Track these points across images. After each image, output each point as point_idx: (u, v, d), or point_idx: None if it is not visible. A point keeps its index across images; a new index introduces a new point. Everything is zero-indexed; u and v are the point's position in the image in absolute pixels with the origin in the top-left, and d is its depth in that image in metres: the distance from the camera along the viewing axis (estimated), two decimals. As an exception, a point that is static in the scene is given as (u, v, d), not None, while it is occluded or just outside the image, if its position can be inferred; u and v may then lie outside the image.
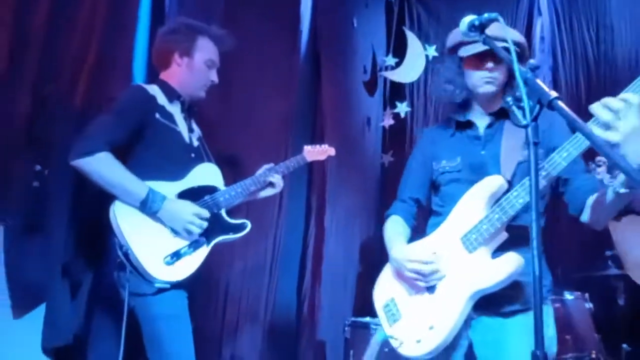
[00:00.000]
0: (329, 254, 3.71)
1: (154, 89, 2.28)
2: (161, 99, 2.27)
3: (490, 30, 1.52)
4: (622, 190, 1.63)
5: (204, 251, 2.19)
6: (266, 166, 2.56)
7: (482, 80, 1.89)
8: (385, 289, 1.98)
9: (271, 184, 2.53)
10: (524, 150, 1.84)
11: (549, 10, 4.01)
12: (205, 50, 2.36)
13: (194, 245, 2.17)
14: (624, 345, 2.87)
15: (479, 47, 1.78)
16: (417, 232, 2.08)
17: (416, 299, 1.87)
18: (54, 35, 2.44)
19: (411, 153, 2.19)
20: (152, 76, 2.46)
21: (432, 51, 4.18)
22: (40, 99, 2.41)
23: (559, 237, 3.52)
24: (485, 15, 1.50)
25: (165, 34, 2.38)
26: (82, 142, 2.07)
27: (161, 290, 2.07)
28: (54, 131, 2.40)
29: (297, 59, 3.84)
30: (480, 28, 1.51)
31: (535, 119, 1.30)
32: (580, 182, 1.83)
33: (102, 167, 2.06)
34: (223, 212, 2.32)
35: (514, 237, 1.79)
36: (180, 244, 2.14)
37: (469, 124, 1.98)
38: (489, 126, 1.95)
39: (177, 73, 2.34)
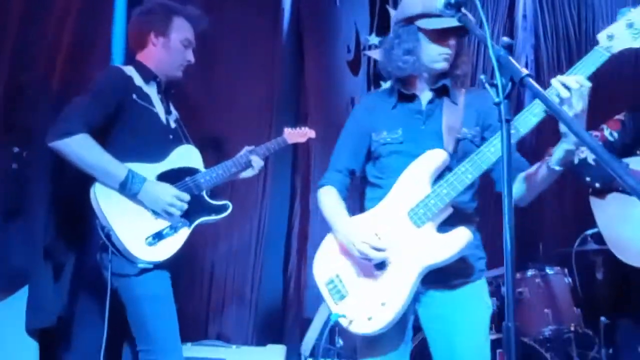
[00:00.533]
0: (314, 233, 3.72)
1: (130, 70, 2.27)
2: (138, 80, 2.26)
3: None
4: (558, 168, 1.69)
5: (185, 232, 2.21)
6: (247, 148, 2.56)
7: (441, 56, 1.87)
8: (329, 264, 1.91)
9: (249, 164, 2.51)
10: (462, 127, 1.87)
11: (531, -12, 4.01)
12: (181, 29, 2.34)
13: (176, 226, 2.18)
14: (602, 318, 2.93)
15: (445, 22, 1.75)
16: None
17: (364, 275, 1.84)
18: (32, 17, 2.41)
19: (347, 120, 2.09)
20: (131, 58, 2.43)
21: (415, 30, 4.15)
22: (18, 81, 2.38)
23: (540, 213, 3.58)
24: (462, -7, 1.50)
25: (141, 15, 2.36)
26: (59, 123, 2.06)
27: (144, 271, 2.09)
28: (33, 113, 2.38)
29: (280, 39, 3.81)
30: (457, 6, 1.52)
31: (508, 97, 1.32)
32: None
33: (81, 148, 2.05)
34: (204, 194, 2.33)
35: (454, 212, 1.81)
36: (162, 224, 2.15)
37: (412, 97, 1.94)
38: (431, 102, 1.93)
39: (154, 53, 2.32)
